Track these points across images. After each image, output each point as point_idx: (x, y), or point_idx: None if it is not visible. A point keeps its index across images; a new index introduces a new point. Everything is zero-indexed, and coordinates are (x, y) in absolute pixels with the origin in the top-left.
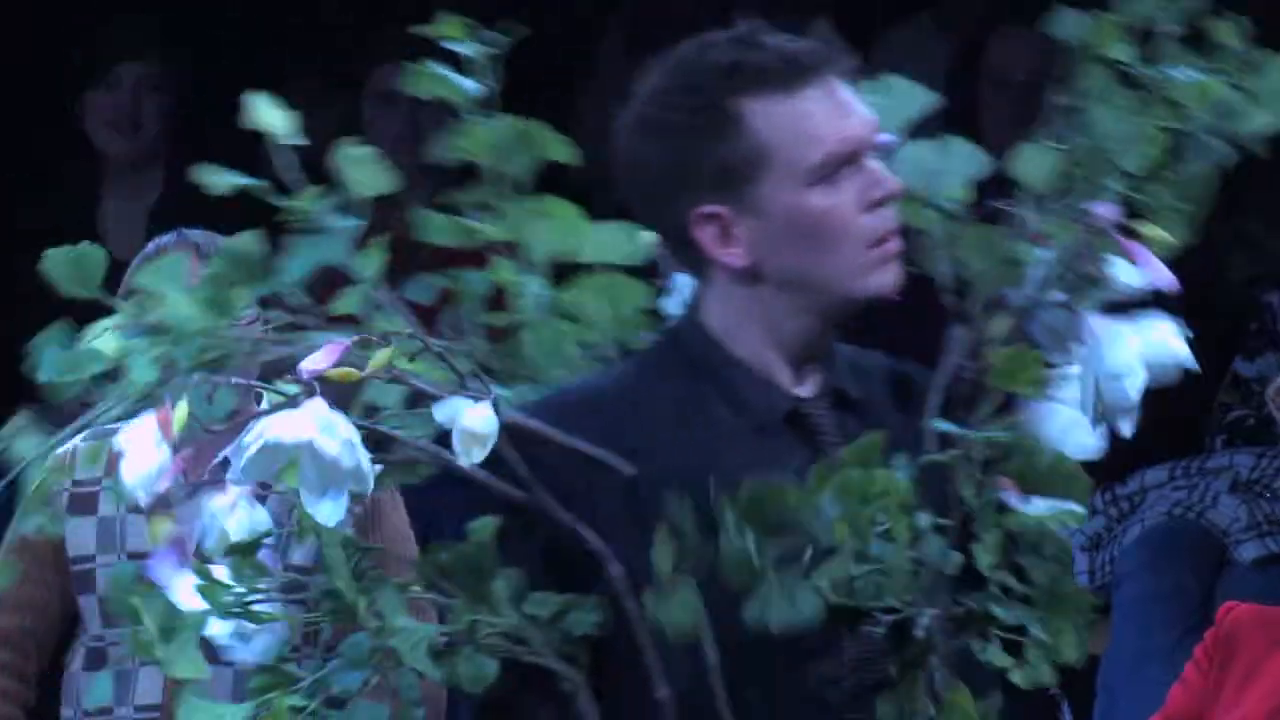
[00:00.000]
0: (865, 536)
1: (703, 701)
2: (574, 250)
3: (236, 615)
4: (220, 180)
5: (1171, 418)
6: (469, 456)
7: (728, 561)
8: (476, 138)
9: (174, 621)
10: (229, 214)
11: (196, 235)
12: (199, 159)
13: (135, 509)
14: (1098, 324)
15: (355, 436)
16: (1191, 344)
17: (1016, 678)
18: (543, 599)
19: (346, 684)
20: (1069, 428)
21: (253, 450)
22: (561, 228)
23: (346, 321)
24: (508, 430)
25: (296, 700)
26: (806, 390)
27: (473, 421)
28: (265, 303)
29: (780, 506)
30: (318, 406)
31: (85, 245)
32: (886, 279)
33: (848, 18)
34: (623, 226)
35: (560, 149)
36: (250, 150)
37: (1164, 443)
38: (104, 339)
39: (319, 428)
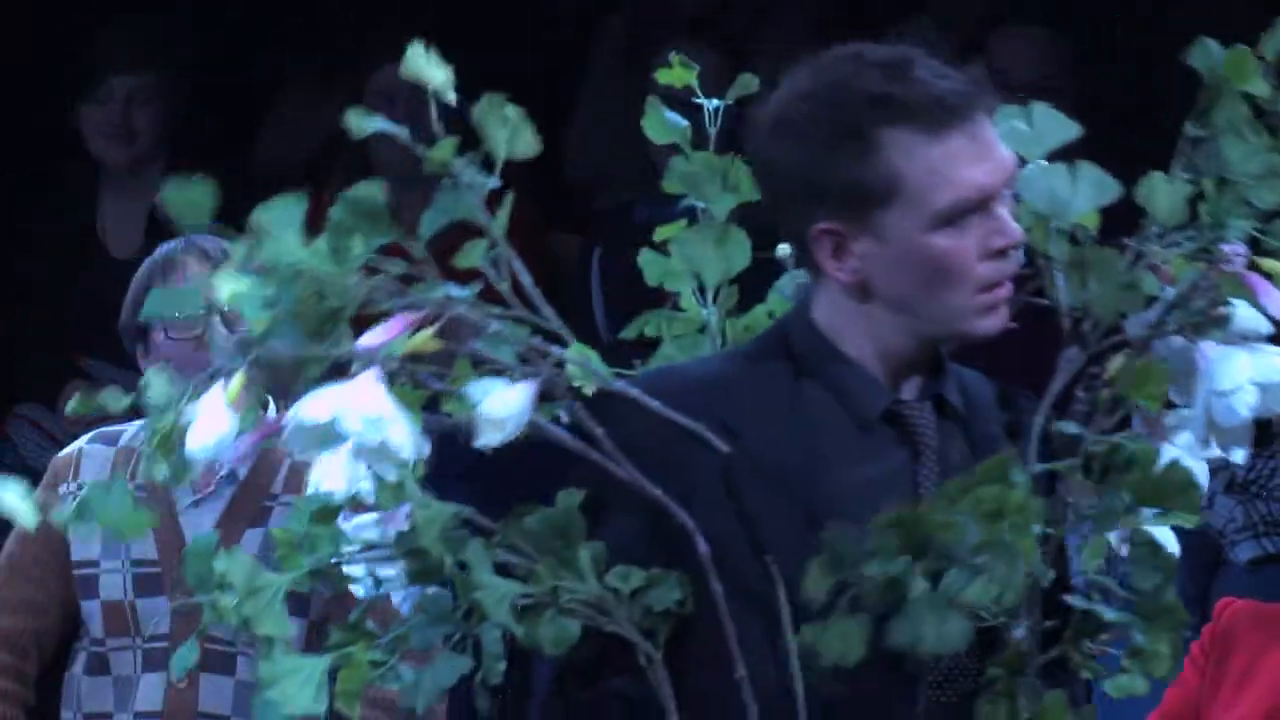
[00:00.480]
0: (1005, 556)
1: (778, 686)
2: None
3: (318, 575)
4: (362, 123)
5: None
6: (486, 440)
7: (875, 585)
8: (679, 174)
9: (259, 581)
10: (226, 215)
11: (206, 241)
12: (198, 159)
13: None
14: (1210, 348)
15: (391, 413)
16: None
17: (1109, 686)
18: (626, 572)
19: (427, 639)
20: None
21: (291, 427)
22: (734, 255)
23: (468, 276)
24: (609, 400)
25: (376, 655)
26: (908, 393)
27: (497, 407)
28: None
29: (923, 528)
30: (364, 383)
31: (200, 181)
32: (992, 323)
33: (848, 17)
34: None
35: (751, 187)
36: (249, 148)
37: None
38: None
39: (340, 409)
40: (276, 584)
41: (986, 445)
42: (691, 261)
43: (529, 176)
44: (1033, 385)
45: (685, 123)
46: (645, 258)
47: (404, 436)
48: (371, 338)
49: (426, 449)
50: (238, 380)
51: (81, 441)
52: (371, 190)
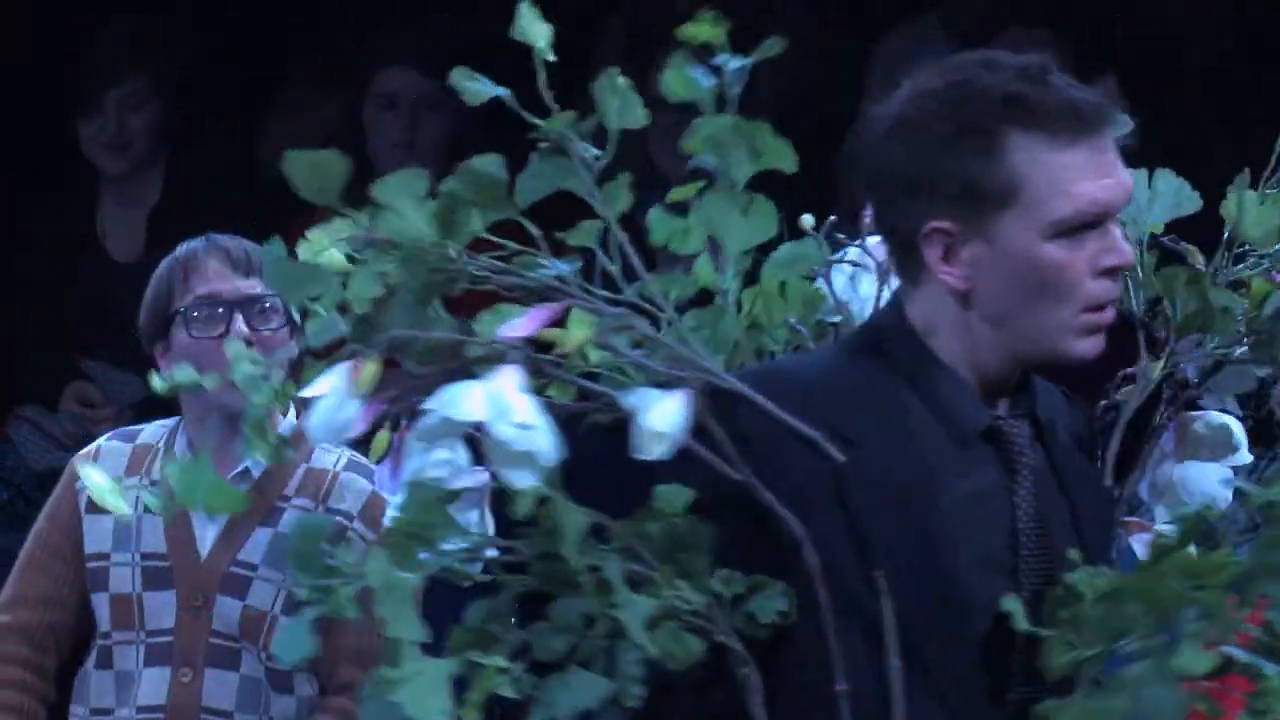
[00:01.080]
0: (1217, 620)
1: (876, 703)
2: (756, 239)
3: (437, 575)
4: (474, 88)
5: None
6: (650, 453)
7: (1053, 659)
8: (703, 135)
9: (393, 581)
10: (227, 216)
11: (228, 241)
12: (198, 160)
13: (150, 510)
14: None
15: (534, 418)
16: None
17: None
18: (729, 577)
19: (554, 649)
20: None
21: (429, 419)
22: (760, 225)
23: (576, 251)
24: (724, 398)
25: (500, 661)
26: (1001, 408)
27: (659, 418)
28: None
29: (1147, 596)
30: (506, 381)
31: (329, 152)
32: (1090, 346)
33: (852, 18)
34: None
35: (782, 154)
36: (250, 146)
37: None
38: (330, 254)
39: (494, 410)
40: (407, 584)
41: (1065, 460)
42: (711, 225)
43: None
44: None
45: (712, 80)
46: (653, 215)
47: (548, 443)
48: (512, 329)
49: (565, 452)
50: (370, 365)
51: (101, 439)
52: (491, 162)
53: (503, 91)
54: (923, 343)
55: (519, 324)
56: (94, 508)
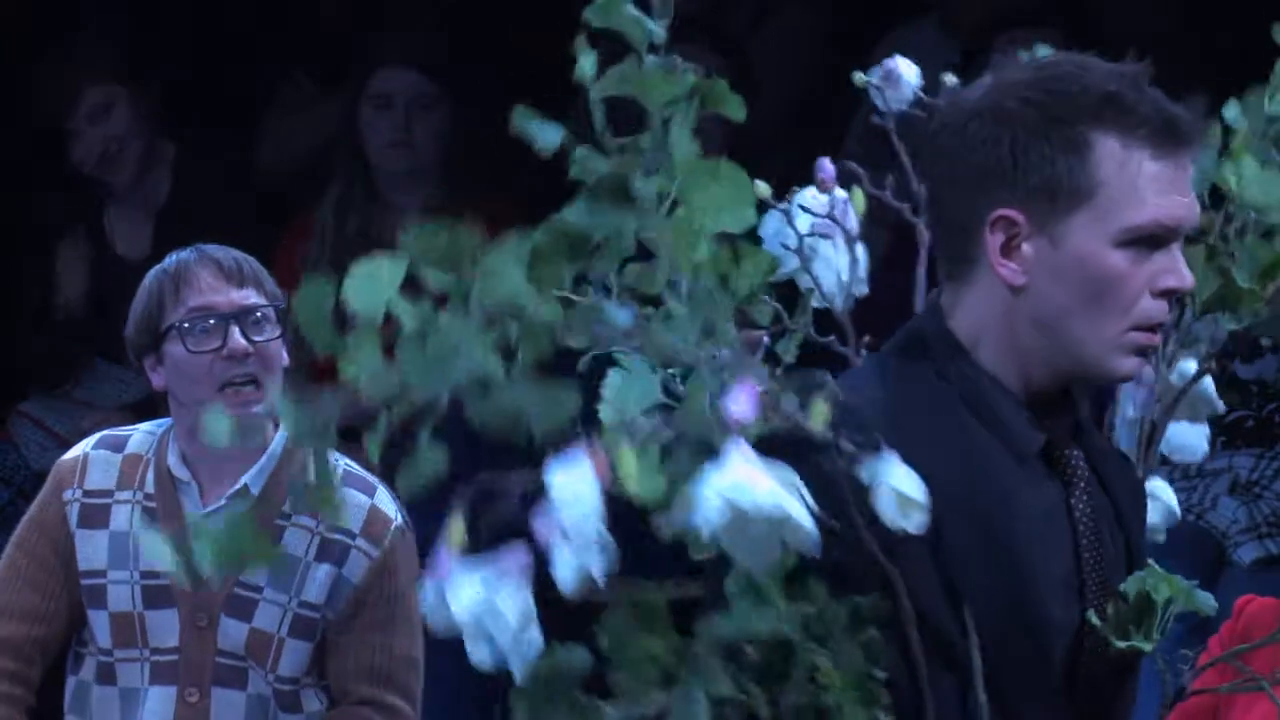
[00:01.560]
0: None
1: None
2: (735, 223)
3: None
4: (542, 136)
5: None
6: (906, 522)
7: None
8: (644, 79)
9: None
10: (233, 214)
11: (216, 251)
12: (202, 161)
13: (148, 525)
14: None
15: (807, 493)
16: None
17: None
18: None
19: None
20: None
21: (714, 509)
22: (731, 194)
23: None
24: (825, 440)
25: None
26: (1047, 416)
27: (907, 485)
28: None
29: None
30: (746, 456)
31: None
32: (1133, 365)
33: (852, 19)
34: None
35: (735, 106)
36: (251, 146)
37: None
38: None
39: (783, 489)
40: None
41: (1101, 457)
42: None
43: (526, 169)
44: None
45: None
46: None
47: (804, 516)
48: (739, 406)
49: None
50: (630, 457)
51: (86, 447)
52: (576, 215)
53: (556, 135)
54: (970, 356)
55: (743, 403)
56: (86, 522)
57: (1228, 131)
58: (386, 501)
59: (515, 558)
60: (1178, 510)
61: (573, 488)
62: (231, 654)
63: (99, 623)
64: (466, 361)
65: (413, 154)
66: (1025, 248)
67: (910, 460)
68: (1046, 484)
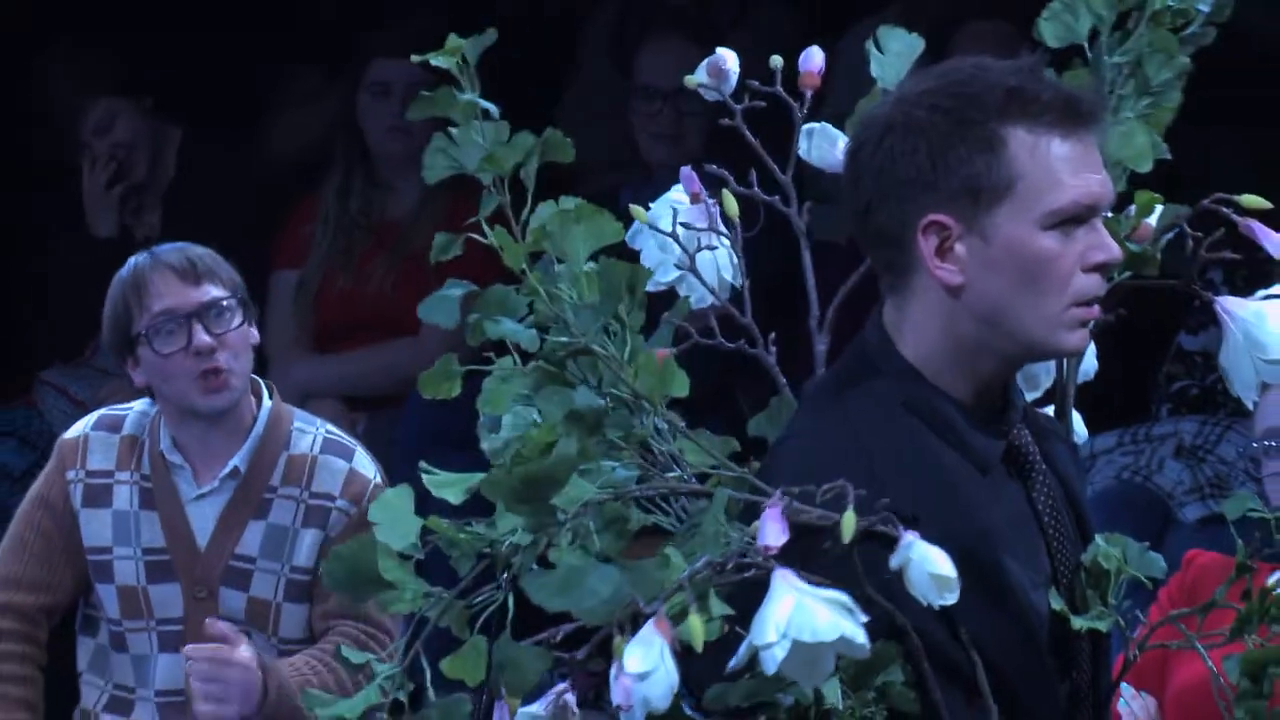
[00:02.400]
0: None
1: None
2: (605, 239)
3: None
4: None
5: (1120, 387)
6: (936, 598)
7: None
8: (495, 158)
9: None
10: (238, 195)
11: (169, 255)
12: (210, 148)
13: (147, 506)
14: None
15: (857, 607)
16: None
17: None
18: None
19: None
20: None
21: (781, 652)
22: (595, 230)
23: None
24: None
25: None
26: (1000, 420)
27: (939, 565)
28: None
29: None
30: (797, 584)
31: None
32: (1077, 339)
33: (817, 9)
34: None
35: (565, 150)
36: (255, 129)
37: (1112, 411)
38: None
39: (837, 613)
40: None
41: (1041, 437)
42: (551, 240)
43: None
44: None
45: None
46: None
47: (863, 634)
48: (773, 537)
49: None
50: (695, 621)
51: (86, 427)
52: (587, 401)
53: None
54: (923, 377)
55: (775, 533)
56: (90, 502)
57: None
58: (365, 463)
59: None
60: (1084, 431)
61: (650, 661)
62: (233, 622)
63: (108, 596)
64: (599, 578)
65: (409, 139)
66: (958, 248)
67: (885, 491)
68: (1009, 487)
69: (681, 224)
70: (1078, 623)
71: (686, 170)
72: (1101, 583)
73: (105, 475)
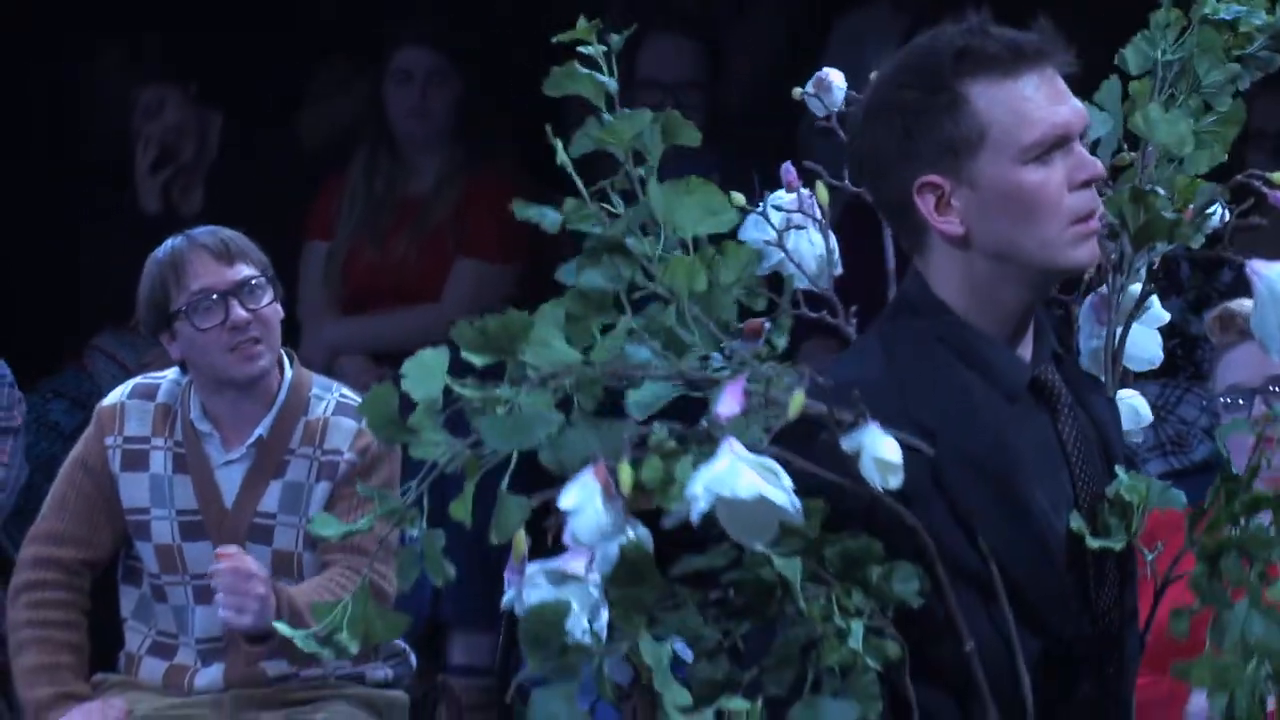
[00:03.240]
0: None
1: (995, 646)
2: (717, 226)
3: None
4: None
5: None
6: (885, 483)
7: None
8: (614, 129)
9: (656, 652)
10: (274, 174)
11: (204, 236)
12: (249, 133)
13: (180, 470)
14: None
15: (785, 475)
16: None
17: None
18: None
19: (781, 683)
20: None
21: (704, 503)
22: (705, 205)
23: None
24: (822, 419)
25: (743, 704)
26: (1026, 351)
27: (886, 451)
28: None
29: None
30: (739, 450)
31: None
32: (1085, 253)
33: (816, 6)
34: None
35: (689, 134)
36: (290, 114)
37: None
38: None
39: (763, 477)
40: (663, 651)
41: (1076, 381)
42: (663, 211)
43: (523, 159)
44: None
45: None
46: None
47: (786, 499)
48: (728, 407)
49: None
50: (626, 473)
51: (123, 395)
52: (603, 276)
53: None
54: (952, 311)
55: (729, 402)
56: (128, 466)
57: (1126, 80)
58: None
59: (575, 557)
60: (1148, 413)
61: (580, 500)
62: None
63: (146, 553)
64: (543, 425)
65: (429, 122)
66: (954, 201)
67: (915, 416)
68: (1036, 416)
69: (774, 207)
70: (1093, 543)
71: (786, 165)
72: (1125, 513)
73: (142, 441)
